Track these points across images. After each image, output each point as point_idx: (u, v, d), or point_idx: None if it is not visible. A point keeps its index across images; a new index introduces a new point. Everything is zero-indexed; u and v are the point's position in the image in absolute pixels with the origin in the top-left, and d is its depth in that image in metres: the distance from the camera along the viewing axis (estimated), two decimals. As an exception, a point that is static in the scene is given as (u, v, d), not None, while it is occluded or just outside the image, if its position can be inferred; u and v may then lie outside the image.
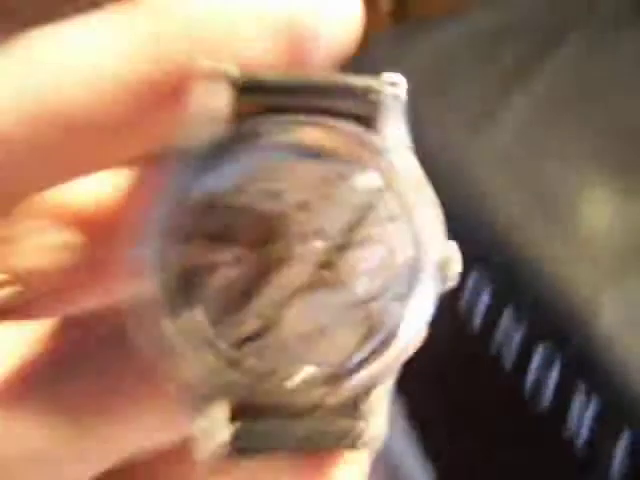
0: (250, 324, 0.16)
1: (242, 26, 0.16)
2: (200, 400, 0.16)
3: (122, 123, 0.16)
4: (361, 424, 0.17)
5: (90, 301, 0.21)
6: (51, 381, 0.16)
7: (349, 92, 0.16)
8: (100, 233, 0.20)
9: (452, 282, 0.16)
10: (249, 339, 0.16)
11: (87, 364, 0.16)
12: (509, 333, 0.54)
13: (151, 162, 0.19)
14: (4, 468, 0.16)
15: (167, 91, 0.16)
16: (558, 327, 0.54)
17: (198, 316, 0.16)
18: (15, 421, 0.16)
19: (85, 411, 0.16)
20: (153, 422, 0.16)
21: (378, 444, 0.17)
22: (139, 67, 0.16)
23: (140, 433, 0.16)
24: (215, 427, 0.16)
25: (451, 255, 0.16)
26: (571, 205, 0.59)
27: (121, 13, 0.16)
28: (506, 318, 0.55)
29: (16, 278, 0.20)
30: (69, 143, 0.16)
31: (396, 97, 0.16)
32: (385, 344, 0.16)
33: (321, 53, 0.17)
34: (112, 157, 0.17)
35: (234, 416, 0.16)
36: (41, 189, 0.17)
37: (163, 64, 0.16)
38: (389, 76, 0.16)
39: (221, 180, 0.16)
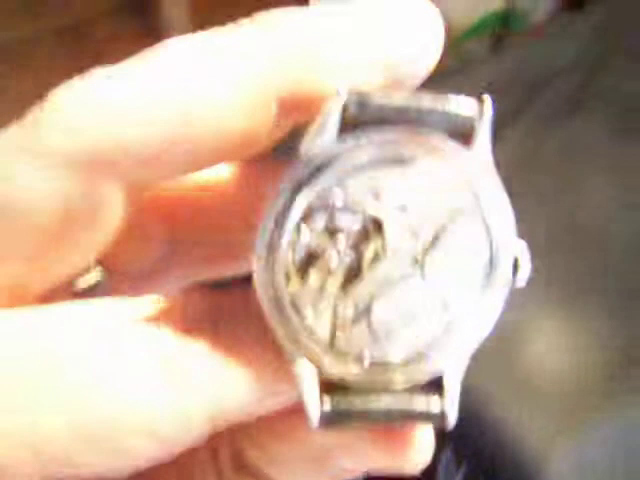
0: (344, 312, 0.19)
1: (353, 57, 0.18)
2: (299, 375, 0.18)
3: (251, 130, 0.19)
4: (439, 403, 0.19)
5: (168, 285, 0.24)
6: (212, 324, 0.19)
7: (452, 114, 0.18)
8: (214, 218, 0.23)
9: (522, 281, 0.19)
10: (342, 326, 0.19)
11: (227, 319, 0.19)
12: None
13: (267, 162, 0.22)
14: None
15: (289, 104, 0.19)
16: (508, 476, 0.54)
17: (302, 300, 0.18)
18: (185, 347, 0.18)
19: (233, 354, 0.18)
20: (264, 377, 0.18)
21: (452, 424, 0.19)
22: (270, 84, 0.18)
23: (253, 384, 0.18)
24: (311, 404, 0.18)
25: (523, 255, 0.19)
26: (519, 347, 0.57)
27: (256, 33, 0.18)
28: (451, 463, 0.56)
29: (100, 263, 0.23)
30: (207, 142, 0.18)
31: (489, 118, 0.18)
32: (461, 332, 0.19)
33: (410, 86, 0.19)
34: (236, 156, 0.20)
35: (328, 390, 0.19)
36: (174, 176, 0.20)
37: (287, 82, 0.18)
38: (485, 97, 0.18)
39: (330, 181, 0.18)
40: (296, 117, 0.19)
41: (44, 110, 0.18)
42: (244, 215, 0.21)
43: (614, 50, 0.77)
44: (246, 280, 0.19)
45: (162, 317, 0.19)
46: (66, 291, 0.21)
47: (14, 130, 0.18)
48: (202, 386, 0.18)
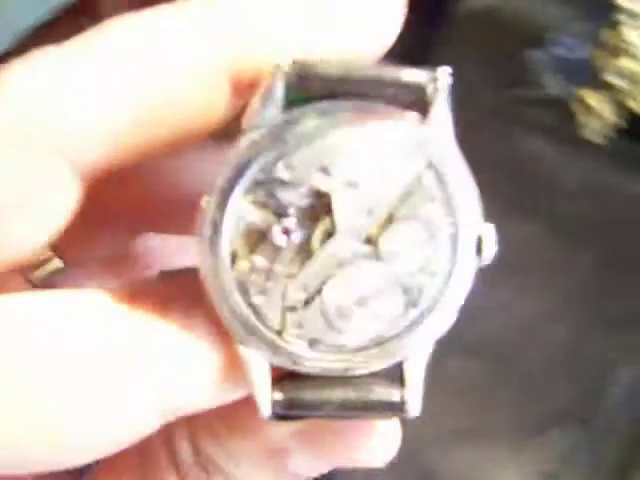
0: (294, 294, 0.17)
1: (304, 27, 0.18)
2: (248, 361, 0.17)
3: (203, 105, 0.18)
4: (399, 392, 0.18)
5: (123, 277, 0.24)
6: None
7: (400, 82, 0.17)
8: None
9: (487, 260, 0.18)
10: (292, 309, 0.18)
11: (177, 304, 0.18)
12: None
13: (219, 139, 0.21)
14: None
15: (240, 81, 0.18)
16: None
17: (250, 281, 0.17)
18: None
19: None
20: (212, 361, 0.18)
21: (415, 413, 0.18)
22: (218, 61, 0.18)
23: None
24: (261, 392, 0.17)
25: (487, 234, 0.18)
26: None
27: (201, 10, 0.18)
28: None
29: (59, 254, 0.22)
30: (163, 120, 0.18)
31: (445, 88, 0.17)
32: (423, 317, 0.18)
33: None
34: (193, 133, 0.19)
35: (281, 379, 0.18)
36: (140, 159, 0.19)
37: (235, 59, 0.18)
38: (440, 69, 0.17)
39: (275, 156, 0.17)
40: (249, 94, 0.18)
41: None
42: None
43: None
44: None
45: (111, 309, 0.18)
46: (23, 281, 0.21)
47: None
48: (150, 378, 0.17)
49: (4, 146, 0.17)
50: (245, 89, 0.18)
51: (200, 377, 0.18)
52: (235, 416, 0.20)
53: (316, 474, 0.21)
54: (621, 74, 0.68)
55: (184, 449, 0.20)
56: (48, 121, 0.17)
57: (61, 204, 0.19)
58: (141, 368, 0.17)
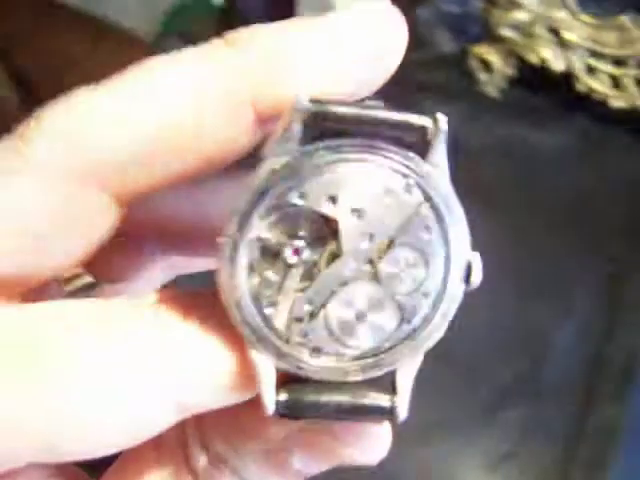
0: (301, 307, 0.19)
1: (315, 61, 0.20)
2: (256, 364, 0.19)
3: (228, 135, 0.20)
4: (390, 398, 0.20)
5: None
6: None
7: (406, 125, 0.19)
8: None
9: (475, 285, 0.20)
10: (299, 320, 0.19)
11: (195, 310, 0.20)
12: None
13: (236, 169, 0.23)
14: None
15: (263, 113, 0.20)
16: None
17: (262, 294, 0.19)
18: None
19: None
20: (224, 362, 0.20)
21: (403, 417, 0.20)
22: (241, 96, 0.20)
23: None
24: (267, 392, 0.19)
25: (475, 262, 0.20)
26: None
27: (226, 50, 0.20)
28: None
29: (86, 270, 0.26)
30: (187, 150, 0.20)
31: (444, 132, 0.19)
32: (415, 332, 0.20)
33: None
34: (217, 160, 0.21)
35: (286, 382, 0.20)
36: (156, 188, 0.21)
37: (259, 93, 0.20)
38: (440, 115, 0.19)
39: (290, 185, 0.19)
40: (270, 126, 0.20)
41: (30, 126, 0.20)
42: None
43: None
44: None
45: (135, 314, 0.20)
46: (56, 293, 0.23)
47: (4, 143, 0.20)
48: (169, 377, 0.19)
49: (51, 178, 0.20)
50: (266, 121, 0.20)
51: (214, 377, 0.19)
52: (242, 418, 0.21)
53: (317, 472, 0.22)
54: (514, 27, 0.67)
55: (196, 449, 0.22)
56: (90, 153, 0.20)
57: (99, 227, 0.21)
58: (162, 367, 0.19)
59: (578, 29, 0.64)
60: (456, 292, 0.20)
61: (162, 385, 0.19)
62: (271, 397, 0.19)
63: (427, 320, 0.20)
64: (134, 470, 0.22)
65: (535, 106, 0.70)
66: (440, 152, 0.19)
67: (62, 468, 0.22)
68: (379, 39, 0.20)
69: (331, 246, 0.19)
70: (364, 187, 0.19)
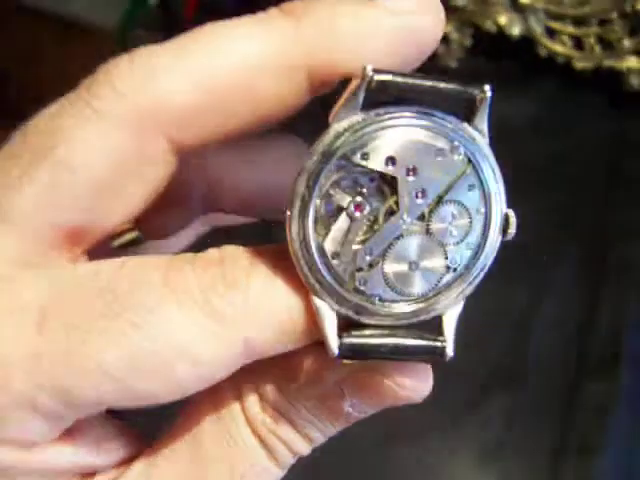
0: (362, 258, 0.21)
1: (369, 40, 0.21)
2: (320, 310, 0.21)
3: (281, 93, 0.22)
4: (440, 340, 0.22)
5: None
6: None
7: (458, 94, 0.21)
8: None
9: (510, 237, 0.22)
10: (359, 269, 0.21)
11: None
12: None
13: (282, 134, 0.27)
14: None
15: (315, 77, 0.22)
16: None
17: (327, 246, 0.21)
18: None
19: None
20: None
21: (451, 355, 0.22)
22: (288, 59, 0.21)
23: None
24: (331, 335, 0.21)
25: (511, 216, 0.22)
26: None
27: (286, 20, 0.22)
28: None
29: (134, 225, 0.28)
30: (243, 104, 0.22)
31: (488, 100, 0.21)
32: (458, 279, 0.22)
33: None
34: (268, 118, 0.22)
35: (346, 326, 0.21)
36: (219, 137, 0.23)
37: (306, 59, 0.21)
38: (486, 85, 0.21)
39: (354, 147, 0.21)
40: (320, 88, 0.22)
41: (95, 78, 0.21)
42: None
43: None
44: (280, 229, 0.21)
45: (201, 264, 0.21)
46: (104, 248, 0.24)
47: (72, 97, 0.21)
48: (238, 318, 0.21)
49: (118, 127, 0.21)
50: (319, 85, 0.22)
51: (282, 320, 0.21)
52: (296, 365, 0.23)
53: (366, 415, 0.24)
54: (468, -5, 0.64)
55: (252, 400, 0.23)
56: (153, 104, 0.21)
57: (158, 178, 0.22)
58: (234, 310, 0.21)
59: (533, -10, 0.61)
60: (494, 243, 0.22)
61: (234, 326, 0.21)
62: (334, 340, 0.21)
63: (468, 268, 0.22)
64: (193, 425, 0.24)
65: (497, 75, 0.67)
66: (483, 119, 0.22)
67: (122, 428, 0.24)
68: (423, 21, 0.22)
69: (389, 202, 0.21)
70: (419, 148, 0.21)
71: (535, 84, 0.65)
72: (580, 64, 0.62)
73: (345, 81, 0.22)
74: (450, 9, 0.65)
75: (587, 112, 0.63)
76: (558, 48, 0.63)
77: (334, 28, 0.21)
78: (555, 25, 0.62)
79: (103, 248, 0.24)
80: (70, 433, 0.22)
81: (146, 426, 0.25)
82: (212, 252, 0.22)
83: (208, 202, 0.28)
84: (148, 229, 0.28)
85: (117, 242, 0.27)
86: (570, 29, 0.62)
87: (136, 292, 0.21)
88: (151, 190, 0.22)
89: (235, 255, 0.22)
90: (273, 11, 0.22)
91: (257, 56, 0.21)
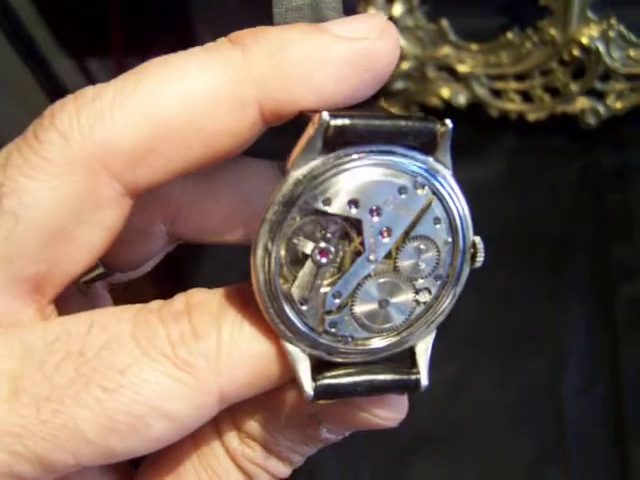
0: (331, 301, 0.21)
1: (319, 70, 0.21)
2: (292, 354, 0.21)
3: (233, 130, 0.21)
4: (413, 372, 0.22)
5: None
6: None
7: (419, 131, 0.21)
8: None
9: (479, 262, 0.22)
10: (329, 312, 0.21)
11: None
12: None
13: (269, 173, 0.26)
14: None
15: (266, 112, 0.21)
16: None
17: (295, 292, 0.21)
18: None
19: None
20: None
21: (425, 386, 0.22)
22: (244, 91, 0.21)
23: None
24: (305, 380, 0.21)
25: (478, 243, 0.22)
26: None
27: (234, 50, 0.21)
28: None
29: (98, 263, 0.26)
30: (193, 141, 0.21)
31: (450, 133, 0.21)
32: (430, 310, 0.22)
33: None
34: (219, 154, 0.22)
35: (319, 367, 0.21)
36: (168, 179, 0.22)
37: (262, 94, 0.21)
38: (447, 120, 0.21)
39: (316, 193, 0.20)
40: (273, 120, 0.22)
41: (41, 122, 0.21)
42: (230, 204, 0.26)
43: None
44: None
45: (170, 316, 0.21)
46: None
47: (19, 143, 0.21)
48: (211, 369, 0.20)
49: (68, 173, 0.20)
50: (272, 117, 0.21)
51: (254, 367, 0.21)
52: (273, 401, 0.23)
53: (343, 436, 0.24)
54: (405, 77, 0.63)
55: (231, 433, 0.24)
56: (101, 147, 0.20)
57: (115, 217, 0.22)
58: (206, 362, 0.20)
59: (469, 59, 0.61)
60: (463, 272, 0.22)
61: (208, 378, 0.20)
62: (309, 384, 0.21)
63: (438, 298, 0.22)
64: (172, 453, 0.24)
65: (456, 142, 0.67)
66: (446, 151, 0.21)
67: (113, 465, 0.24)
68: (375, 47, 0.21)
69: (354, 243, 0.21)
70: (381, 188, 0.21)
71: (492, 144, 0.64)
72: (533, 116, 0.62)
73: (303, 115, 0.21)
74: (392, 93, 0.64)
75: (552, 160, 0.62)
76: (508, 106, 0.62)
77: (282, 56, 0.21)
78: (499, 85, 0.62)
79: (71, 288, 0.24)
80: None
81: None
82: (179, 300, 0.22)
83: (173, 233, 0.28)
84: (114, 264, 0.27)
85: (84, 279, 0.27)
86: (515, 85, 0.61)
87: (106, 354, 0.20)
88: (110, 233, 0.22)
89: (203, 302, 0.22)
90: (221, 41, 0.21)
91: (207, 89, 0.21)
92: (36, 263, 0.21)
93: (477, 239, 0.22)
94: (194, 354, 0.21)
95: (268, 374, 0.21)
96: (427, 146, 0.21)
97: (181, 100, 0.21)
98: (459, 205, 0.22)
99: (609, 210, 0.61)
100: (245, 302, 0.22)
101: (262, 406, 0.23)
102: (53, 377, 0.20)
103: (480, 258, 0.22)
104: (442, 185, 0.21)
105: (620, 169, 0.62)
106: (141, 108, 0.20)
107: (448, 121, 0.21)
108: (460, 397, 0.55)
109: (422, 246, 0.22)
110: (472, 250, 0.22)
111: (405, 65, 0.62)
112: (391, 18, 0.59)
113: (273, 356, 0.21)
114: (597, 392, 0.54)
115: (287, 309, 0.21)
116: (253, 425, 0.24)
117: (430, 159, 0.21)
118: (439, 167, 0.21)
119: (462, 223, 0.22)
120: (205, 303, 0.22)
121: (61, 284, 0.22)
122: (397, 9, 0.60)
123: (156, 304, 0.22)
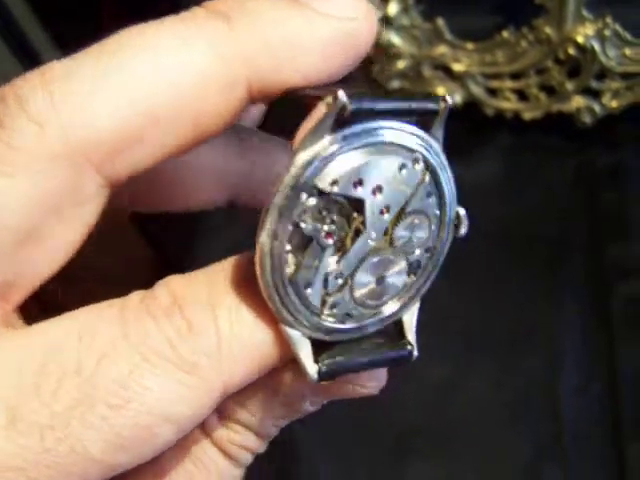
0: (332, 283, 0.21)
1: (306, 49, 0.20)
2: (293, 339, 0.21)
3: (221, 107, 0.20)
4: (407, 342, 0.23)
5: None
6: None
7: (422, 110, 0.21)
8: None
9: (463, 234, 0.23)
10: (329, 294, 0.21)
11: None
12: None
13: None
14: None
15: (254, 90, 0.20)
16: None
17: (301, 277, 0.21)
18: None
19: None
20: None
21: (416, 356, 0.23)
22: (234, 69, 0.19)
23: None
24: (308, 363, 0.21)
25: (462, 215, 0.23)
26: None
27: (217, 22, 0.19)
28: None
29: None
30: (170, 125, 0.19)
31: (446, 111, 0.21)
32: (414, 281, 0.23)
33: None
34: (207, 134, 0.20)
35: (318, 348, 0.21)
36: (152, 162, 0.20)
37: (251, 72, 0.20)
38: (447, 96, 0.21)
39: (324, 175, 0.20)
40: (257, 101, 0.21)
41: (9, 109, 0.18)
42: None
43: None
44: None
45: (159, 310, 0.20)
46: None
47: None
48: (214, 365, 0.20)
49: (42, 166, 0.18)
50: (258, 95, 0.21)
51: (255, 357, 0.20)
52: (270, 382, 0.22)
53: (319, 407, 0.24)
54: (401, 76, 0.63)
55: (214, 421, 0.23)
56: (82, 136, 0.18)
57: (93, 211, 0.20)
58: (208, 359, 0.20)
59: (464, 58, 0.61)
60: (447, 242, 0.23)
61: (211, 374, 0.20)
62: (312, 367, 0.21)
63: (423, 270, 0.23)
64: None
65: (451, 141, 0.67)
66: (441, 126, 0.21)
67: None
68: (363, 27, 0.21)
69: (355, 223, 0.21)
70: (384, 166, 0.21)
71: (490, 142, 0.64)
72: (529, 114, 0.62)
73: (289, 92, 0.21)
74: (388, 93, 0.64)
75: (547, 161, 0.62)
76: (504, 104, 0.62)
77: (273, 34, 0.20)
78: (495, 84, 0.62)
79: None
80: None
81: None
82: (161, 292, 0.20)
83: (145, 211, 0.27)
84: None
85: None
86: (510, 84, 0.61)
87: (104, 365, 0.19)
88: (88, 229, 0.20)
89: (188, 291, 0.20)
90: (199, 11, 0.20)
91: (197, 69, 0.19)
92: (3, 269, 0.19)
93: (461, 210, 0.23)
94: (195, 352, 0.20)
95: (268, 361, 0.21)
96: (426, 122, 0.21)
97: (170, 81, 0.19)
98: (447, 177, 0.22)
99: (604, 209, 0.61)
100: (233, 285, 0.21)
101: (252, 390, 0.23)
102: (52, 404, 0.19)
103: (464, 229, 0.23)
104: (436, 160, 0.21)
105: (615, 168, 0.62)
106: (124, 90, 0.18)
107: (448, 97, 0.21)
108: (456, 396, 0.55)
109: (416, 220, 0.22)
110: (456, 221, 0.23)
111: (401, 64, 0.62)
112: (386, 17, 0.59)
113: (274, 342, 0.21)
114: (594, 391, 0.54)
115: (292, 294, 0.21)
116: (239, 410, 0.23)
117: (426, 135, 0.21)
118: (433, 142, 0.21)
119: (449, 195, 0.22)
120: (191, 291, 0.20)
121: (30, 289, 0.20)
122: (392, 8, 0.60)
123: (137, 296, 0.20)
